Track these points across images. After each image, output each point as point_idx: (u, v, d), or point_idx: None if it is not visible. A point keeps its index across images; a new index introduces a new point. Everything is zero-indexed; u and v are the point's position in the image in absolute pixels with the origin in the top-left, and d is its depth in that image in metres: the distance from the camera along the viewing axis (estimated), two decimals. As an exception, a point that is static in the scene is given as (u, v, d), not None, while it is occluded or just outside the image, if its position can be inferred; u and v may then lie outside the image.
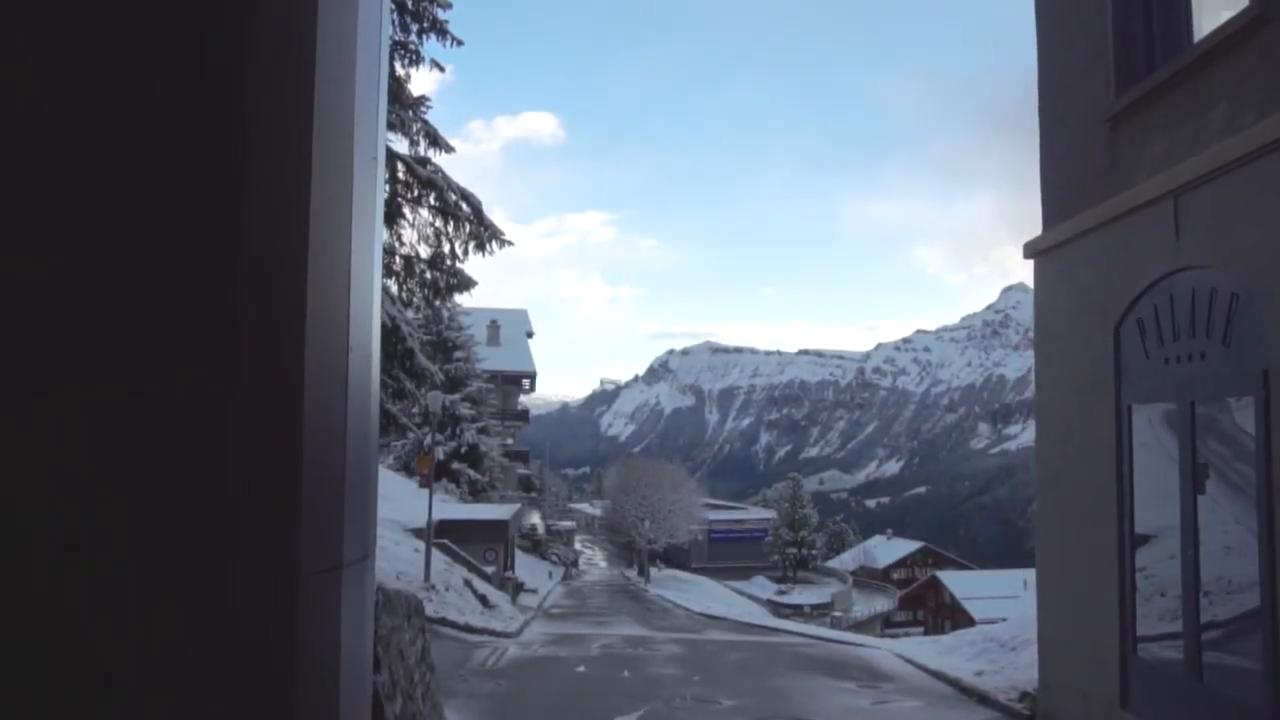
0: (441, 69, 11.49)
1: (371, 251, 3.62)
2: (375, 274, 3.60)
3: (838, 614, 52.12)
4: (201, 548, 2.44)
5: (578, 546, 65.71)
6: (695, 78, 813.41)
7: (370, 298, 3.75)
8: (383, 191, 4.21)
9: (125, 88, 2.49)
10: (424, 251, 11.83)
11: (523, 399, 61.22)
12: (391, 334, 9.85)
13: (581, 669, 12.56)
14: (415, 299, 11.96)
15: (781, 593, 58.38)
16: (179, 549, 2.46)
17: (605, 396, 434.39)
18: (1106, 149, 7.25)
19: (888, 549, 78.90)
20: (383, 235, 4.40)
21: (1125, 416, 6.83)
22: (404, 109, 11.19)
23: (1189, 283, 6.12)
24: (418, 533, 20.67)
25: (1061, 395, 7.87)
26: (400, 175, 11.20)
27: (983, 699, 9.75)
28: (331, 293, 3.16)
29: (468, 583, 20.05)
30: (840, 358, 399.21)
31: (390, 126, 11.16)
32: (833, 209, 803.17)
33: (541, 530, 52.17)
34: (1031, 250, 8.40)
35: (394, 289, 11.56)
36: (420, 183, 11.24)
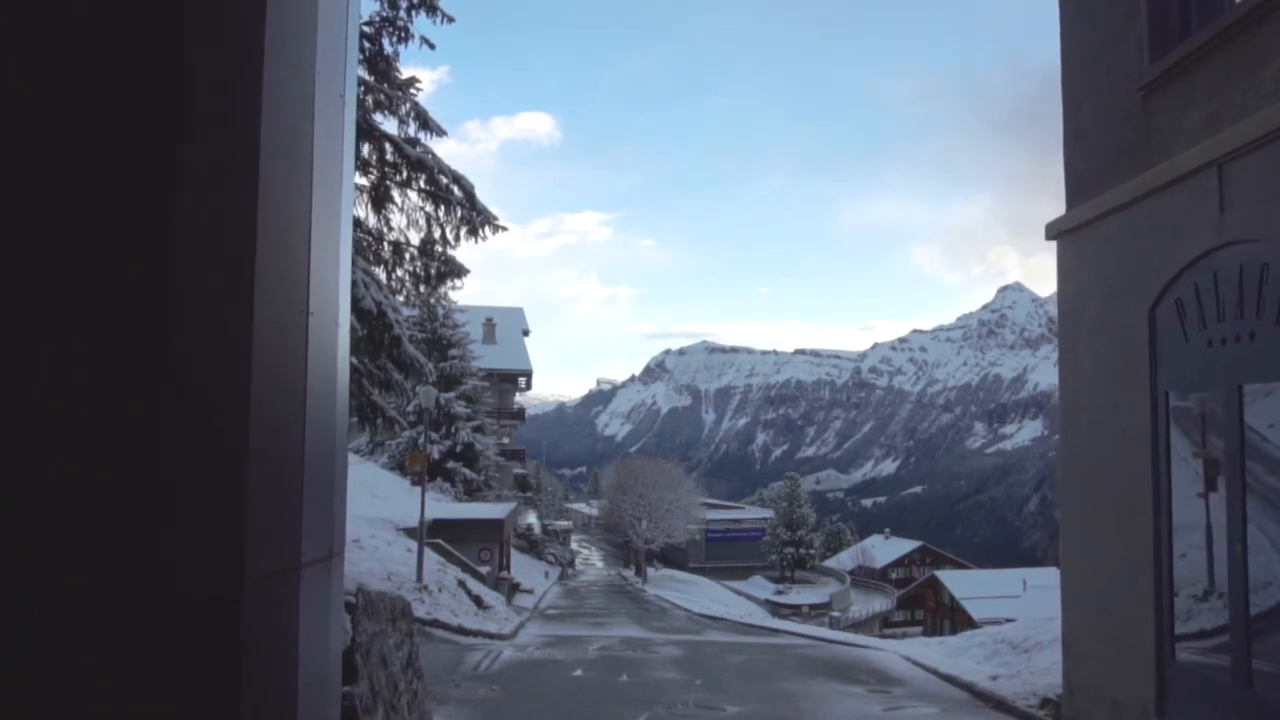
0: (432, 46, 10.98)
1: (338, 204, 3.02)
2: (342, 230, 3.02)
3: (836, 614, 51.72)
4: (121, 543, 1.87)
5: (574, 546, 65.29)
6: (693, 78, 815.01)
7: (336, 257, 3.13)
8: (353, 137, 3.68)
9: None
10: (414, 237, 11.36)
11: (519, 398, 60.77)
12: (377, 320, 9.35)
13: (579, 673, 12.11)
14: (405, 287, 11.47)
15: (780, 592, 57.97)
16: (91, 545, 1.90)
17: (602, 396, 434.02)
18: (1139, 120, 6.80)
19: (885, 548, 78.56)
20: (353, 187, 3.89)
21: (1162, 404, 6.37)
22: (393, 89, 10.70)
23: (1235, 258, 5.67)
24: (410, 532, 20.22)
25: (1088, 383, 7.41)
26: (388, 157, 10.70)
27: (1000, 705, 9.30)
28: (286, 248, 2.53)
29: (461, 583, 19.58)
30: (837, 357, 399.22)
31: (378, 106, 10.70)
32: (829, 209, 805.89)
33: (538, 530, 51.76)
34: (1054, 231, 7.95)
35: (382, 276, 11.06)
36: (409, 164, 10.72)
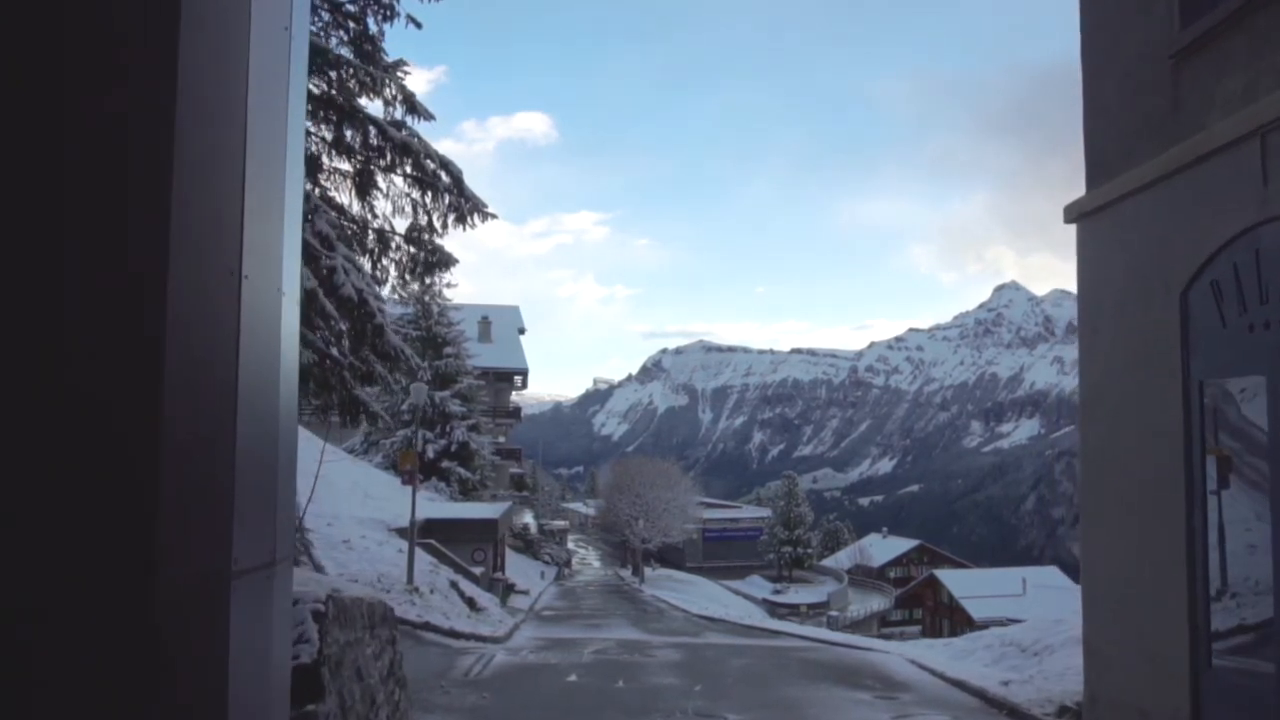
0: (419, 25, 10.49)
1: (280, 152, 2.52)
2: (288, 182, 2.53)
3: (834, 613, 51.40)
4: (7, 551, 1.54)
5: (571, 546, 64.92)
6: (689, 78, 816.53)
7: (280, 213, 2.65)
8: (303, 81, 3.18)
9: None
10: (400, 225, 10.89)
11: (515, 397, 60.39)
12: (358, 308, 8.87)
13: (573, 678, 11.68)
14: (390, 277, 11.02)
15: (778, 592, 57.64)
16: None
17: (599, 396, 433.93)
18: (1168, 91, 6.37)
19: (883, 547, 78.28)
20: (304, 138, 3.40)
21: (1196, 393, 5.95)
22: (377, 69, 10.22)
23: (1280, 234, 5.24)
24: (402, 532, 19.79)
25: (1112, 373, 6.99)
26: (372, 140, 10.22)
27: (1014, 713, 8.87)
28: (210, 195, 1.97)
29: (454, 584, 19.15)
30: (833, 356, 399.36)
31: (363, 88, 10.24)
32: (826, 208, 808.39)
33: (534, 530, 51.39)
34: (1074, 213, 7.52)
35: (366, 265, 10.59)
36: (394, 147, 10.23)
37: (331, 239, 8.77)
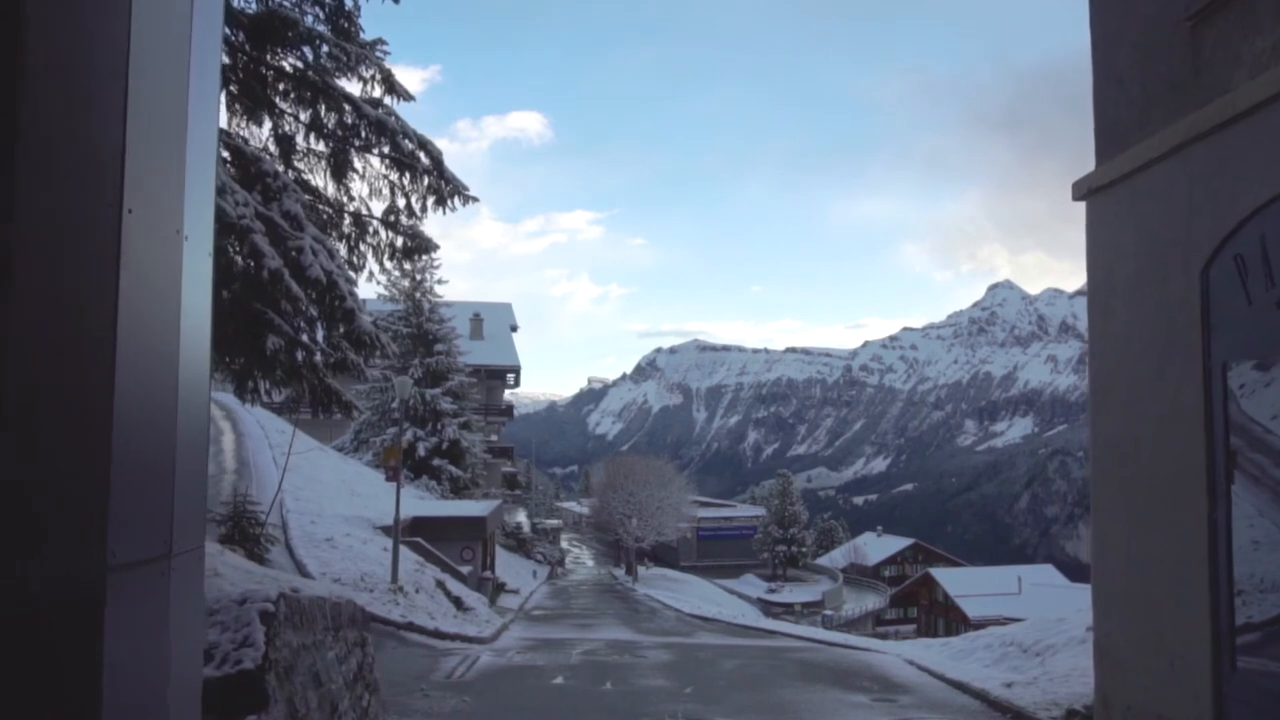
0: (396, 0, 10.11)
1: (182, 68, 2.19)
2: (196, 104, 2.15)
3: (829, 612, 51.16)
4: None
5: (564, 545, 64.55)
6: (683, 77, 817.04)
7: (179, 142, 2.28)
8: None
9: None
10: (378, 209, 10.42)
11: (508, 395, 59.95)
12: (327, 291, 8.41)
13: (559, 680, 11.27)
14: (369, 262, 10.57)
15: (772, 590, 57.30)
16: None
17: (593, 395, 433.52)
18: (1188, 54, 5.97)
19: (878, 546, 78.10)
20: (219, 53, 2.95)
21: (1218, 377, 5.55)
22: (354, 45, 9.75)
23: (1313, 202, 4.85)
24: (388, 530, 19.35)
25: (1125, 357, 6.59)
26: (347, 119, 9.76)
27: (1018, 716, 8.48)
28: (78, 119, 1.67)
29: (440, 584, 18.72)
30: (828, 355, 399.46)
31: (338, 64, 9.78)
32: (820, 207, 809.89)
33: (527, 529, 51.03)
34: (1083, 189, 7.12)
35: (342, 250, 10.13)
36: (370, 125, 9.75)
37: (301, 219, 8.30)
